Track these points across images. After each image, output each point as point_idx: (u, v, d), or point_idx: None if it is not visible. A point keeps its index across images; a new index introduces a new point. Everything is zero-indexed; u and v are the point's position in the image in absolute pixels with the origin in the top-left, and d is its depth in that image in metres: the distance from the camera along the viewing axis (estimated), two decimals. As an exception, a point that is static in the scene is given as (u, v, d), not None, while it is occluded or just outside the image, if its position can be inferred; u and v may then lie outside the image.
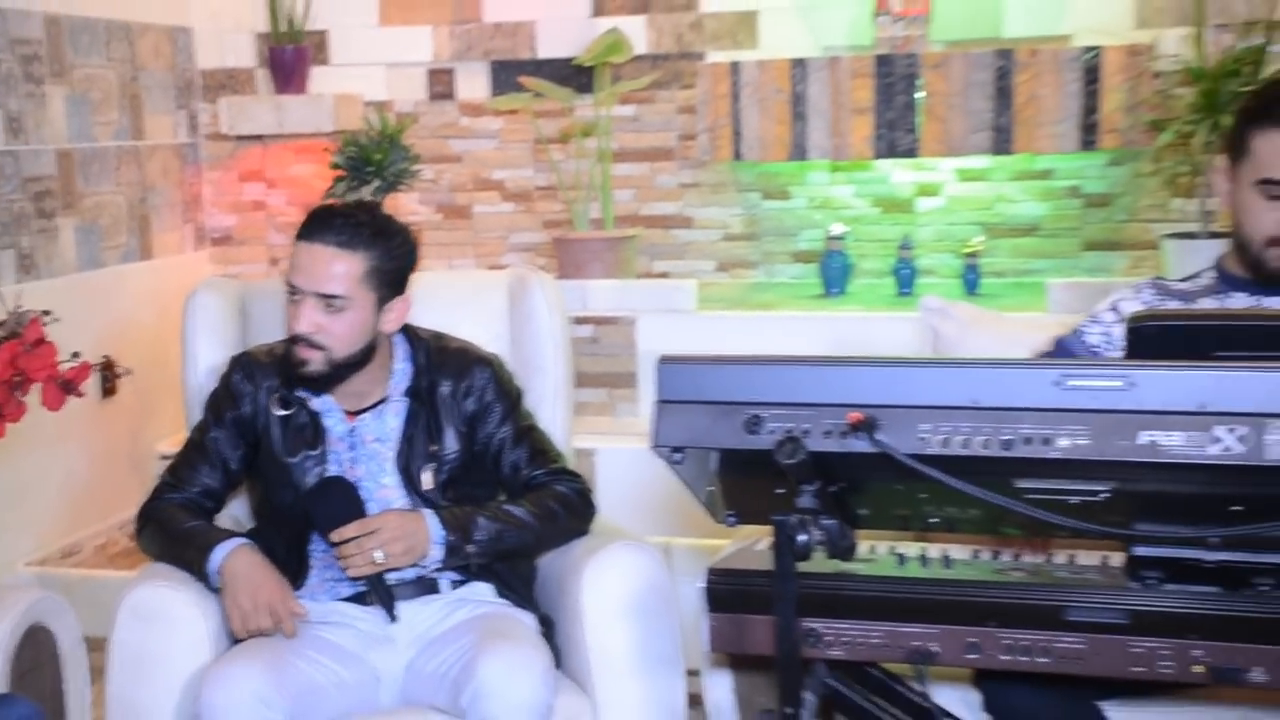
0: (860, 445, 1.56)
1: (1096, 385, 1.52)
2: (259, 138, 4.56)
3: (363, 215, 2.40)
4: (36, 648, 2.29)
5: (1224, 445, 1.47)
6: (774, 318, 3.97)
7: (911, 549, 1.85)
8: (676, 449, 1.66)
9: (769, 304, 4.13)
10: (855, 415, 1.56)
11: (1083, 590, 1.67)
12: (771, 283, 4.47)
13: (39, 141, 3.86)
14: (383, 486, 2.42)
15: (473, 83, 4.63)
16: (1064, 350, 2.34)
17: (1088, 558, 1.81)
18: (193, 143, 4.65)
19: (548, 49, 4.53)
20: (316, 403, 2.44)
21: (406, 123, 4.16)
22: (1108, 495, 1.58)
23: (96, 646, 2.39)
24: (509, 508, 2.40)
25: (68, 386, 2.34)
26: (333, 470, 2.41)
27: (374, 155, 3.83)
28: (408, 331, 2.49)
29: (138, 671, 2.29)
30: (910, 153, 4.11)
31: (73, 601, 2.42)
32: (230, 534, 2.38)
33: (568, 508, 2.46)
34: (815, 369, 1.62)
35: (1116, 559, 1.76)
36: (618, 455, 3.68)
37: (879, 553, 1.85)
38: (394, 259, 2.39)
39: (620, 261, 4.23)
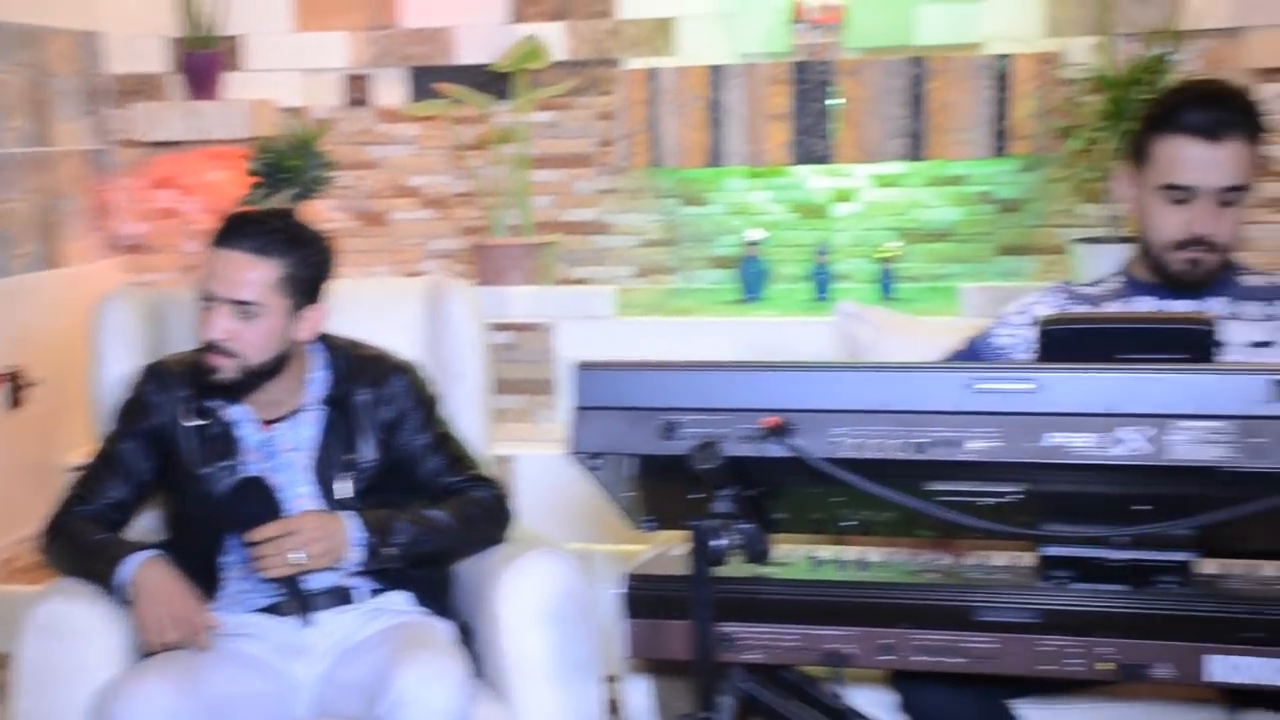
0: (775, 450, 1.57)
1: (1005, 388, 1.54)
2: (172, 144, 4.49)
3: (277, 222, 2.39)
4: (-59, 665, 2.24)
5: (1129, 446, 1.50)
6: (692, 323, 3.98)
7: (828, 552, 1.87)
8: (594, 455, 1.66)
9: (687, 309, 4.15)
10: (770, 420, 1.57)
11: (994, 590, 1.69)
12: (690, 288, 4.48)
13: (-57, 148, 3.78)
14: (299, 496, 2.40)
15: (390, 89, 4.60)
16: (974, 352, 2.38)
17: (1000, 558, 1.83)
18: (104, 149, 4.57)
19: (466, 55, 4.51)
20: (230, 412, 2.41)
21: (322, 129, 4.12)
22: (1018, 496, 1.61)
23: (2, 663, 2.35)
24: (428, 512, 2.40)
25: (-27, 398, 2.29)
26: None
27: (290, 162, 3.80)
28: (324, 340, 2.48)
29: (46, 688, 2.25)
30: (826, 159, 4.15)
31: (-22, 617, 2.37)
32: (140, 546, 2.35)
33: (486, 514, 2.46)
34: (731, 374, 1.64)
35: (1028, 559, 1.79)
36: (537, 462, 3.67)
37: (795, 556, 1.86)
38: (308, 266, 2.37)
39: (539, 268, 4.23)
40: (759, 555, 1.67)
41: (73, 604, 2.29)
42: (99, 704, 2.18)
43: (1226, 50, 4.03)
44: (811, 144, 4.12)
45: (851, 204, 4.40)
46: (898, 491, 1.56)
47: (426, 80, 4.50)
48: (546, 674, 2.33)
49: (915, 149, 4.08)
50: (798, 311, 4.05)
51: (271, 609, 2.37)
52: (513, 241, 4.28)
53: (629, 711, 2.28)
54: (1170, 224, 2.22)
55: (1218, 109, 2.18)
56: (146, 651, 2.26)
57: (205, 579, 2.36)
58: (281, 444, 2.41)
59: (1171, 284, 2.27)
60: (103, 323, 2.72)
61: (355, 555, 2.32)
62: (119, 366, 2.65)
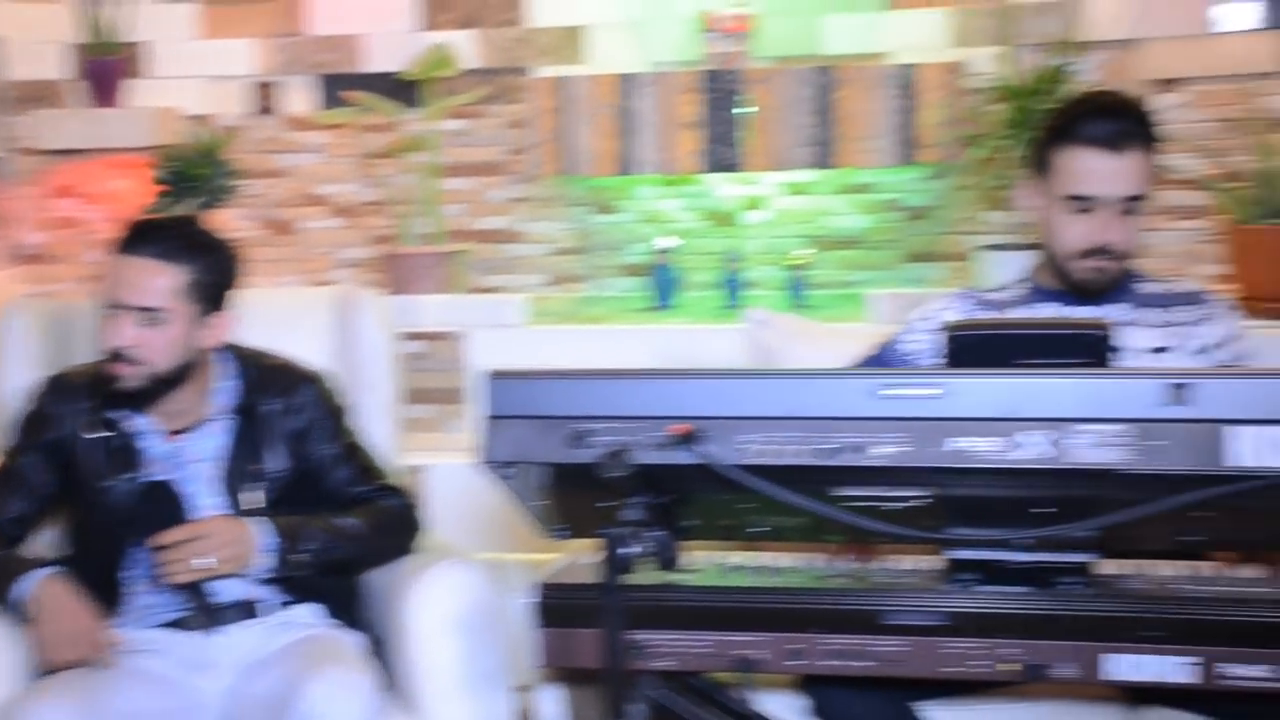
0: (685, 457, 1.57)
1: (911, 394, 1.56)
2: (73, 152, 4.41)
3: (182, 228, 2.38)
4: None
5: (1031, 449, 1.52)
6: (604, 331, 3.99)
7: (738, 558, 1.88)
8: (505, 464, 1.65)
9: (599, 318, 4.15)
10: (678, 428, 1.57)
11: (901, 594, 1.71)
12: (601, 296, 4.49)
13: None
14: (206, 507, 2.36)
15: (298, 96, 4.56)
16: (882, 359, 2.40)
17: (907, 562, 1.85)
18: (3, 157, 4.48)
19: (375, 63, 4.49)
20: (134, 424, 2.37)
21: (229, 137, 4.07)
22: (924, 500, 1.62)
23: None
24: (338, 520, 2.38)
25: None
26: None
27: (196, 170, 3.75)
28: (231, 350, 2.45)
29: (-58, 709, 2.19)
30: (736, 167, 4.18)
31: None
32: (40, 562, 2.30)
33: (396, 522, 2.45)
34: (640, 382, 1.64)
35: (935, 562, 1.81)
36: (448, 471, 3.65)
37: (706, 563, 1.87)
38: (214, 273, 2.35)
39: (450, 277, 4.21)
40: (669, 562, 1.67)
41: (-31, 622, 2.24)
42: (-2, 724, 2.13)
43: (1124, 61, 4.12)
44: (722, 152, 4.15)
45: (761, 212, 4.43)
46: (806, 497, 1.57)
47: (335, 88, 4.47)
48: (457, 684, 2.32)
49: (824, 157, 4.13)
50: (709, 319, 4.07)
51: (176, 623, 2.33)
52: (423, 250, 4.26)
53: (542, 721, 2.28)
54: (1074, 233, 2.26)
55: (1117, 120, 2.23)
56: (46, 670, 2.22)
57: (107, 594, 2.31)
58: (187, 455, 2.38)
59: (1075, 291, 2.31)
60: (2, 335, 2.66)
61: (264, 562, 2.29)
62: (19, 379, 2.60)
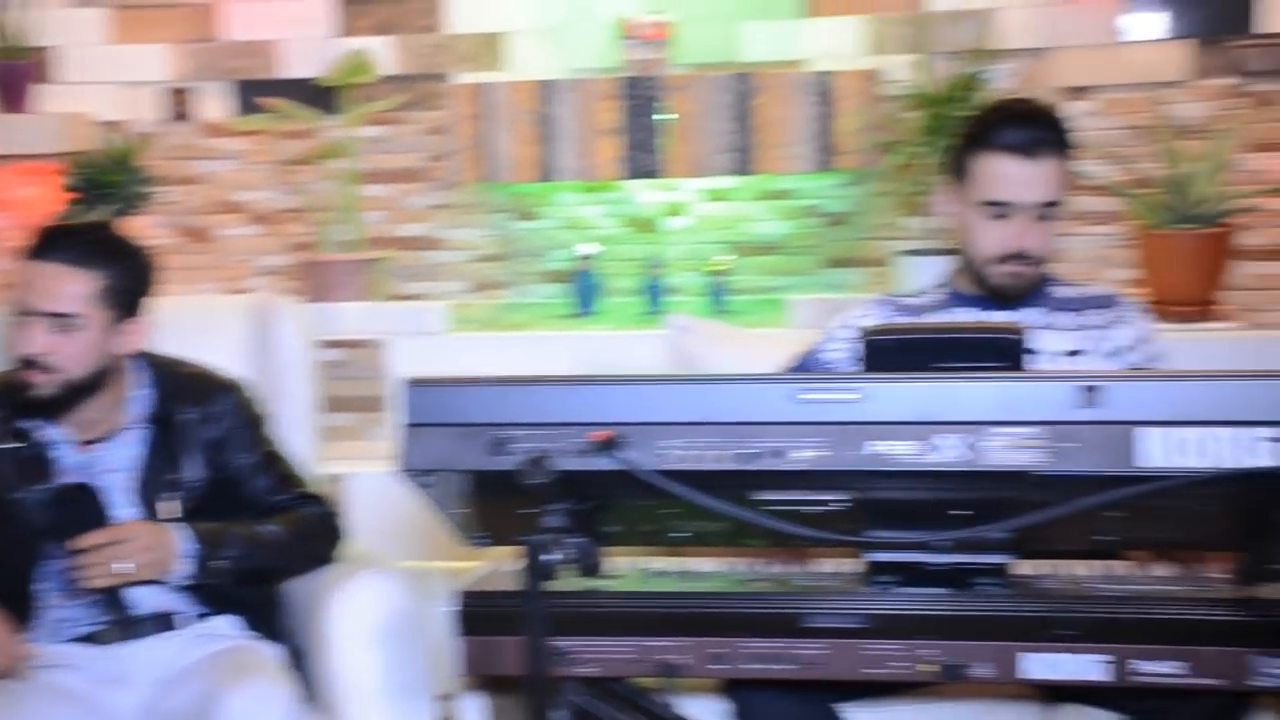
0: (606, 463, 1.57)
1: (829, 398, 1.57)
2: (-21, 158, 4.33)
3: (95, 233, 2.36)
4: None
5: (947, 452, 1.54)
6: (526, 338, 3.98)
7: (660, 564, 1.88)
8: (424, 472, 1.65)
9: (521, 324, 4.14)
10: (599, 434, 1.58)
11: (821, 597, 1.72)
12: (523, 303, 4.48)
13: None
14: (122, 518, 2.33)
15: (213, 102, 4.50)
16: (804, 367, 2.41)
17: (828, 565, 1.87)
18: (-92, 163, 4.39)
19: (291, 69, 4.45)
20: (46, 433, 2.33)
21: (143, 143, 4.01)
22: (844, 504, 1.64)
23: None
24: (259, 527, 2.35)
25: None
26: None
27: (109, 176, 3.69)
28: (146, 358, 2.42)
29: None
30: (656, 173, 4.20)
31: None
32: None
33: (317, 530, 2.43)
34: (560, 388, 1.63)
35: (855, 565, 1.82)
36: (369, 480, 3.63)
37: (629, 569, 1.87)
38: (129, 278, 2.33)
39: (370, 284, 4.18)
40: (591, 569, 1.67)
41: (-124, 640, 2.18)
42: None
43: (1036, 69, 4.20)
44: (642, 159, 4.16)
45: (682, 218, 4.45)
46: (726, 502, 1.58)
47: (251, 94, 4.42)
48: (378, 695, 2.30)
49: (743, 163, 4.15)
50: (630, 325, 4.08)
51: (90, 638, 2.29)
52: (343, 257, 4.23)
53: (464, 729, 2.26)
54: (991, 239, 2.29)
55: (1032, 128, 2.26)
56: (-42, 686, 2.17)
57: (19, 607, 2.27)
58: (102, 464, 2.34)
59: (992, 296, 2.34)
60: (-94, 345, 2.60)
61: (183, 568, 2.26)
62: (-75, 390, 2.54)
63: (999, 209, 2.27)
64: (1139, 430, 1.51)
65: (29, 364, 2.26)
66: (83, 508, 2.28)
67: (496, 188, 4.41)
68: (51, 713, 2.17)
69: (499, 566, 1.94)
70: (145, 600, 2.30)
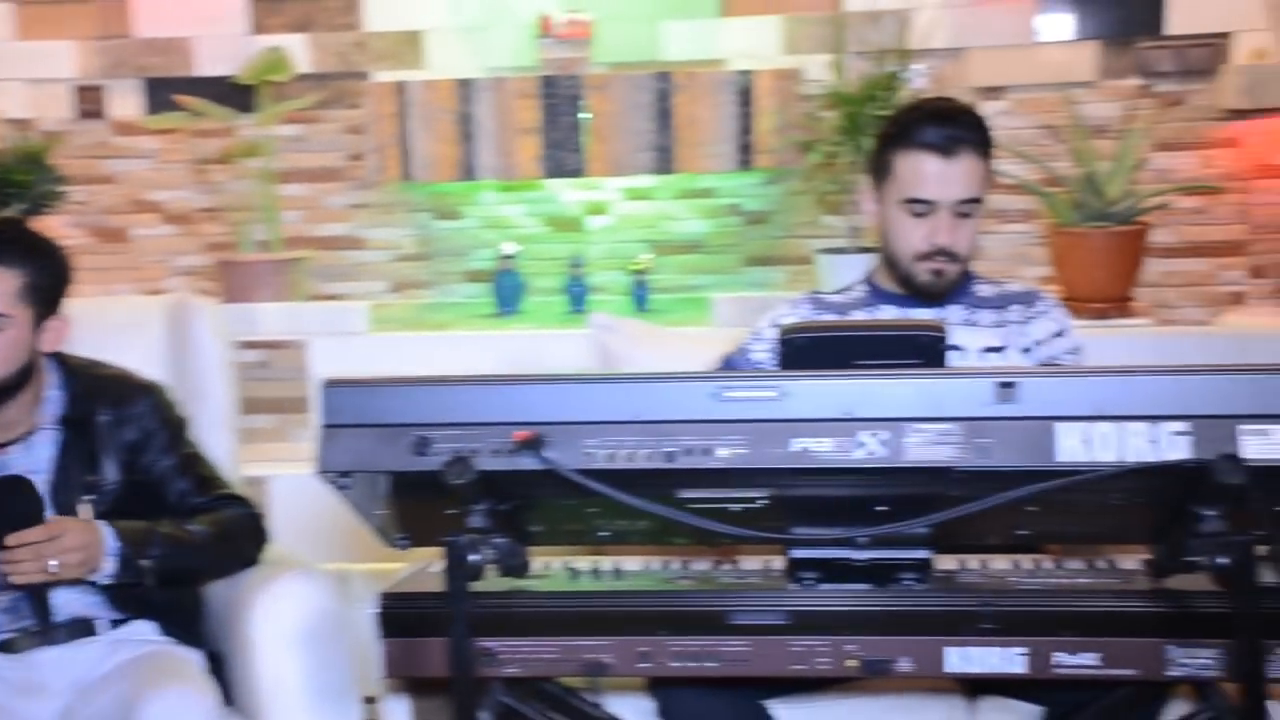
0: (529, 463, 1.57)
1: (751, 396, 1.58)
2: (-116, 157, 4.22)
3: (12, 230, 2.33)
4: None
5: (868, 449, 1.55)
6: (448, 338, 3.96)
7: (585, 563, 1.88)
8: (344, 474, 1.63)
9: (443, 324, 4.12)
10: (521, 433, 1.57)
11: (746, 594, 1.73)
12: (445, 303, 4.46)
13: None
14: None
15: (125, 100, 4.43)
16: (733, 367, 2.42)
17: (753, 563, 1.88)
18: None
19: (205, 66, 4.38)
20: (-45, 439, 2.28)
21: (53, 141, 3.94)
22: (767, 501, 1.65)
23: None
24: (185, 527, 2.32)
25: None
26: None
27: (17, 176, 3.62)
28: (59, 359, 2.37)
29: None
30: (577, 172, 4.19)
31: None
32: None
33: (242, 531, 2.41)
34: (482, 388, 1.63)
35: (779, 562, 1.83)
36: (291, 482, 3.58)
37: (553, 568, 1.87)
38: (49, 275, 2.29)
39: (289, 284, 4.14)
40: (516, 569, 1.67)
41: None
42: None
43: (951, 69, 4.25)
44: (562, 157, 4.15)
45: (604, 217, 4.45)
46: (649, 500, 1.58)
47: (164, 92, 4.35)
48: (302, 699, 2.28)
49: (664, 162, 4.16)
50: (553, 325, 4.07)
51: (3, 646, 2.25)
52: (261, 257, 4.18)
53: (389, 733, 2.25)
54: (913, 236, 2.31)
55: (952, 126, 2.29)
56: None
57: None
58: (17, 466, 2.30)
59: (915, 293, 2.36)
60: None
61: (108, 567, 2.22)
62: None
63: (920, 206, 2.29)
64: (1058, 425, 1.53)
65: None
66: (19, 500, 2.23)
67: (416, 187, 4.38)
68: (-37, 724, 2.13)
69: (421, 567, 1.93)
70: (63, 606, 2.26)
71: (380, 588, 1.84)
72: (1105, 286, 3.86)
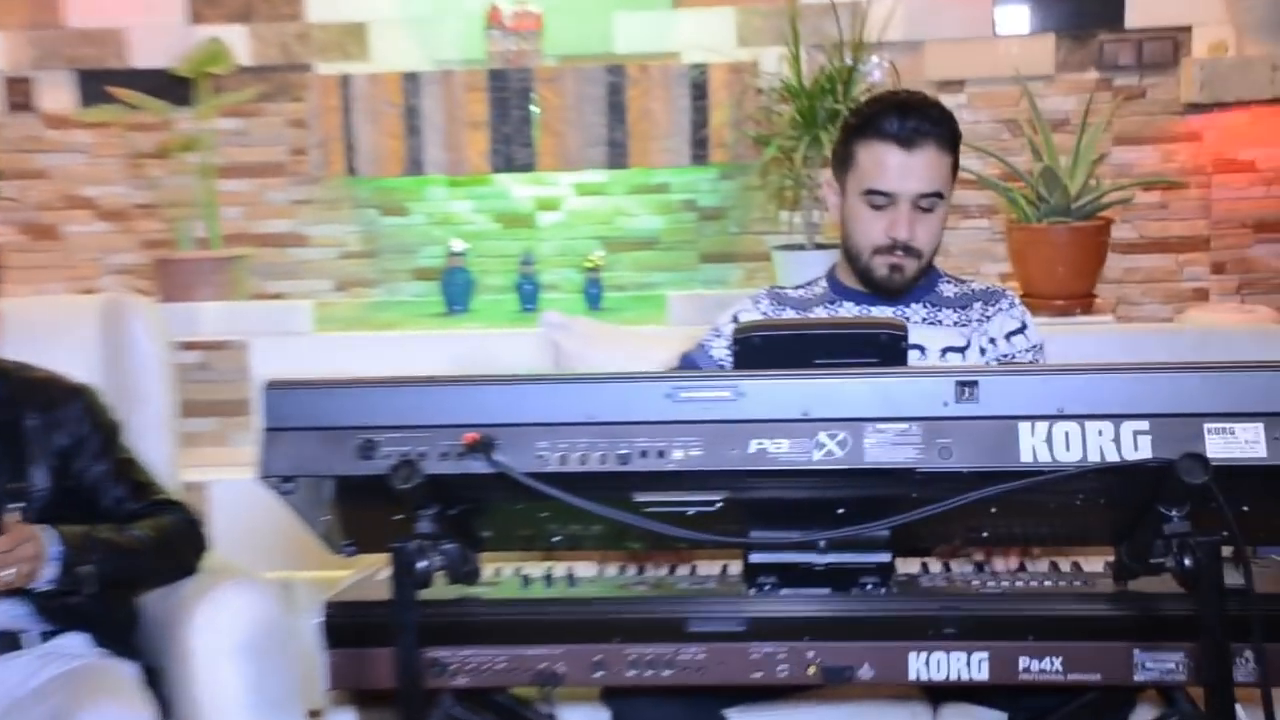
0: (478, 466, 1.53)
1: (706, 396, 1.53)
2: None
3: None
4: None
5: (826, 450, 1.51)
6: (395, 338, 3.90)
7: (537, 569, 1.83)
8: (287, 478, 1.58)
9: (390, 323, 4.06)
10: (471, 436, 1.52)
11: (702, 600, 1.69)
12: (393, 301, 4.40)
13: None
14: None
15: (57, 93, 4.33)
16: (690, 365, 2.37)
17: (710, 567, 1.83)
18: None
19: (141, 58, 4.30)
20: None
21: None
22: (723, 504, 1.60)
23: None
24: (125, 531, 2.25)
25: None
26: None
27: (-53, 171, 3.52)
28: (-15, 360, 2.30)
29: None
30: (528, 167, 4.14)
31: None
32: None
33: (181, 535, 2.34)
34: (430, 389, 1.59)
35: (737, 567, 1.79)
36: (232, 487, 3.51)
37: (504, 575, 1.82)
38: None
39: (230, 282, 4.06)
40: (465, 576, 1.63)
41: None
42: None
43: (906, 62, 4.22)
44: (512, 152, 4.10)
45: (555, 213, 4.39)
46: (603, 504, 1.54)
47: (98, 84, 4.25)
48: (243, 713, 2.23)
49: (617, 157, 4.11)
50: (503, 323, 4.02)
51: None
52: (200, 255, 4.10)
53: (334, 746, 2.19)
54: (872, 229, 2.28)
55: (914, 118, 2.25)
56: None
57: None
58: (-57, 471, 2.22)
59: (875, 289, 2.32)
60: None
61: (49, 572, 2.14)
62: None
63: (879, 198, 2.26)
64: (1018, 425, 1.50)
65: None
66: None
67: (362, 182, 4.31)
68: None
69: (368, 575, 1.88)
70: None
71: (325, 596, 1.80)
72: (1066, 283, 3.85)
